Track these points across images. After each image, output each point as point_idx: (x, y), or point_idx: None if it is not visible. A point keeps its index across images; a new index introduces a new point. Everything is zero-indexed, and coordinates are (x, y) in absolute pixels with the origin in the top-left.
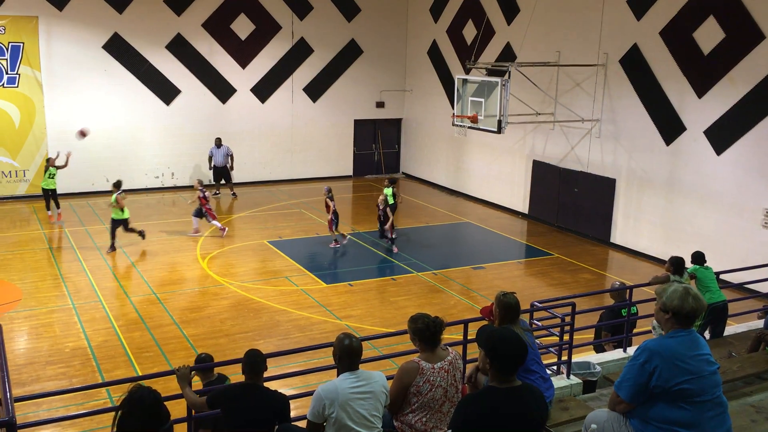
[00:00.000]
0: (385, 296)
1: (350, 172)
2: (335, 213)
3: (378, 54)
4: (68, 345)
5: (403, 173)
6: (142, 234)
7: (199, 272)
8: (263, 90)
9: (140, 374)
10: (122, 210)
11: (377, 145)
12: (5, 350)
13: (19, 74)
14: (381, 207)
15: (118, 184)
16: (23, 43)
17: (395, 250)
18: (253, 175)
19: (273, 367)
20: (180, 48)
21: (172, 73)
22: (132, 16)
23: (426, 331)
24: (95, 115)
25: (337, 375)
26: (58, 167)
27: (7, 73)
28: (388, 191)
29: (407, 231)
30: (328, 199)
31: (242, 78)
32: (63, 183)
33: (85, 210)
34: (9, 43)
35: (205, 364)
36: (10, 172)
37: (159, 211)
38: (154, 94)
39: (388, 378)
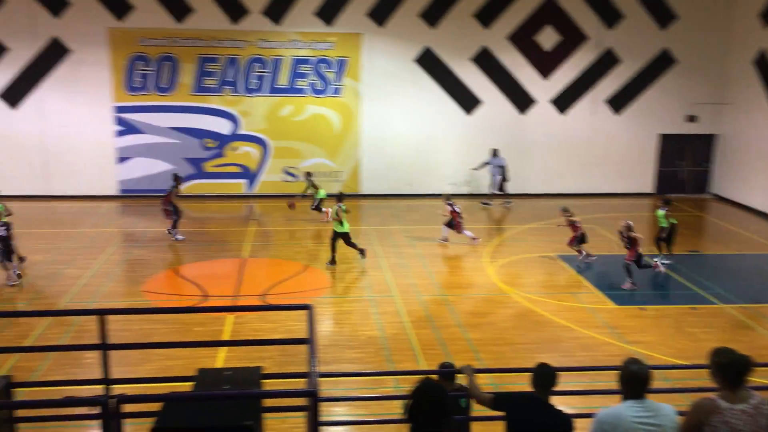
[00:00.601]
0: (682, 326)
1: (649, 189)
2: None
3: (693, 64)
4: (364, 333)
5: (712, 194)
6: (362, 253)
7: (485, 279)
8: (563, 101)
9: (424, 369)
10: (341, 223)
11: (683, 162)
12: (315, 328)
13: (343, 85)
14: (624, 234)
15: (340, 197)
16: (349, 57)
17: (660, 269)
18: (546, 186)
19: None
20: (485, 60)
21: (475, 85)
22: (442, 31)
23: (731, 368)
24: (402, 124)
25: (621, 401)
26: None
27: (333, 84)
28: (660, 213)
29: (713, 258)
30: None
31: (543, 89)
32: (369, 185)
33: (388, 211)
34: (337, 57)
35: (448, 370)
36: (327, 172)
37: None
38: (457, 104)
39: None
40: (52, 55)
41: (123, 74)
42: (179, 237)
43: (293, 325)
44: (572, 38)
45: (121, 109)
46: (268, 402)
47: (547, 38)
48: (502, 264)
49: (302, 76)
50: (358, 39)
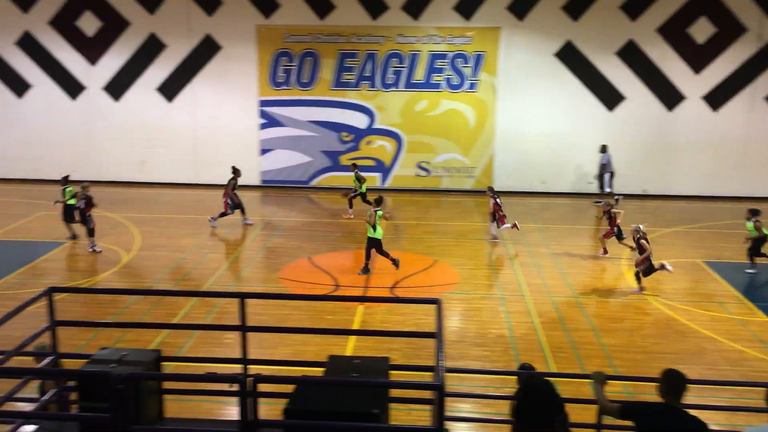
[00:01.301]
0: None
1: None
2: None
3: None
4: (492, 331)
5: None
6: (395, 263)
7: (623, 283)
8: (717, 97)
9: (554, 371)
10: (374, 228)
11: None
12: (443, 323)
13: (479, 80)
14: (635, 238)
15: (378, 201)
16: (485, 52)
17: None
18: (695, 188)
19: (693, 396)
20: (630, 54)
21: (618, 80)
22: (586, 24)
23: None
24: (538, 120)
25: None
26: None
27: (468, 79)
28: (750, 226)
29: None
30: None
31: (694, 84)
32: (502, 182)
33: (521, 209)
34: (474, 52)
35: (527, 371)
36: (460, 167)
37: (590, 217)
38: (598, 100)
39: None
40: (204, 52)
41: (268, 69)
42: (213, 223)
43: (421, 318)
44: (729, 30)
45: (265, 103)
46: (395, 392)
47: (701, 30)
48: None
49: (438, 71)
50: (497, 33)
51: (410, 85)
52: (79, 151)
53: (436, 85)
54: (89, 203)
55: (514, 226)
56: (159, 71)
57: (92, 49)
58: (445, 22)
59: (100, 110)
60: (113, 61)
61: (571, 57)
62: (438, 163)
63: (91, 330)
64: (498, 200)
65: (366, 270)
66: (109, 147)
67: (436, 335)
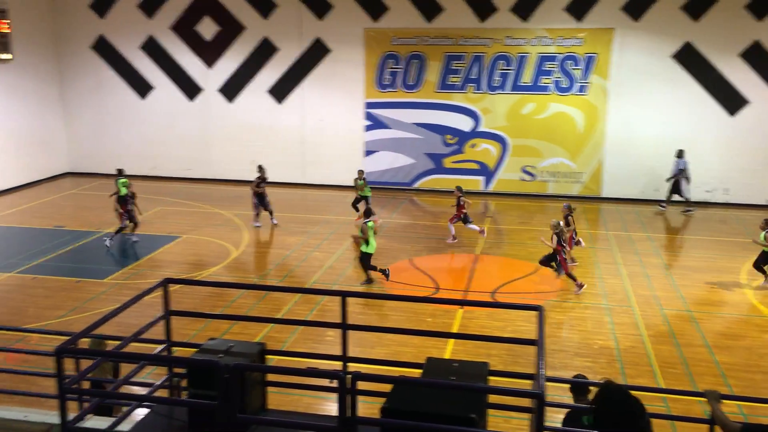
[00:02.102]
0: None
1: None
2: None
3: None
4: (597, 342)
5: None
6: (385, 273)
7: (741, 298)
8: None
9: (662, 387)
10: (367, 242)
11: None
12: (544, 331)
13: (589, 83)
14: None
15: (368, 212)
16: (597, 53)
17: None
18: None
19: None
20: (755, 55)
21: (741, 82)
22: (707, 24)
23: None
24: (652, 124)
25: None
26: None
27: (578, 82)
28: (762, 236)
29: None
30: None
31: None
32: (611, 188)
33: (631, 217)
34: (585, 54)
35: (582, 381)
36: (567, 173)
37: (707, 227)
38: (719, 104)
39: None
40: (313, 55)
41: (375, 72)
42: (256, 224)
43: (522, 325)
44: None
45: (370, 105)
46: (493, 398)
47: None
48: (762, 283)
49: (547, 73)
50: (610, 34)
51: (517, 87)
52: (194, 149)
53: (545, 88)
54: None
55: (482, 231)
56: (270, 74)
57: (209, 53)
58: (555, 23)
59: (214, 111)
60: (228, 64)
61: (690, 59)
62: (544, 167)
63: (200, 321)
64: (463, 200)
65: (368, 281)
66: (222, 146)
67: (537, 342)
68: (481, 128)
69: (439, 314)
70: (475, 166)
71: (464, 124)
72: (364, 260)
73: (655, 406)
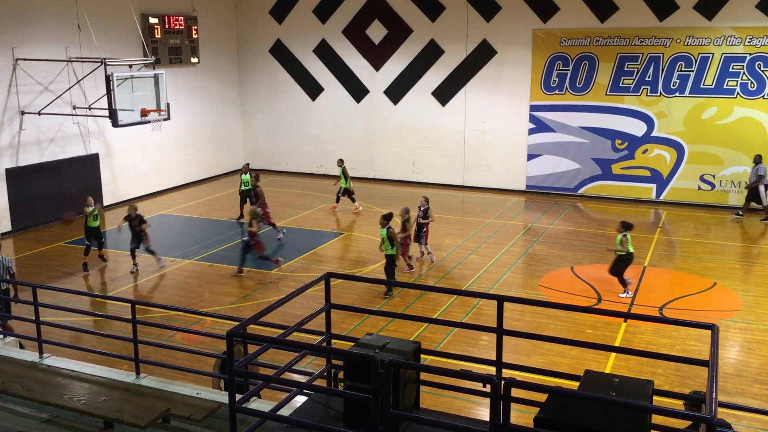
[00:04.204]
0: None
1: None
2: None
3: None
4: None
5: None
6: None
7: None
8: None
9: None
10: (392, 244)
11: None
12: (718, 352)
13: None
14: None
15: (388, 217)
16: None
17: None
18: None
19: None
20: None
21: None
22: None
23: None
24: None
25: None
26: None
27: None
28: (619, 239)
29: None
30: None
31: None
32: None
33: None
34: None
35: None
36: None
37: None
38: None
39: None
40: (479, 57)
41: (541, 74)
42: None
43: (692, 345)
44: None
45: (535, 108)
46: (656, 419)
47: None
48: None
49: (733, 75)
50: None
51: (698, 90)
52: (358, 150)
53: (730, 91)
54: (141, 221)
55: (277, 262)
56: (435, 76)
57: (377, 56)
58: (744, 21)
59: (379, 113)
60: (395, 66)
61: None
62: (725, 176)
63: (358, 316)
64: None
65: (388, 293)
66: (385, 147)
67: (710, 364)
68: (655, 133)
69: (600, 326)
70: (646, 173)
71: (636, 128)
72: (391, 264)
73: None
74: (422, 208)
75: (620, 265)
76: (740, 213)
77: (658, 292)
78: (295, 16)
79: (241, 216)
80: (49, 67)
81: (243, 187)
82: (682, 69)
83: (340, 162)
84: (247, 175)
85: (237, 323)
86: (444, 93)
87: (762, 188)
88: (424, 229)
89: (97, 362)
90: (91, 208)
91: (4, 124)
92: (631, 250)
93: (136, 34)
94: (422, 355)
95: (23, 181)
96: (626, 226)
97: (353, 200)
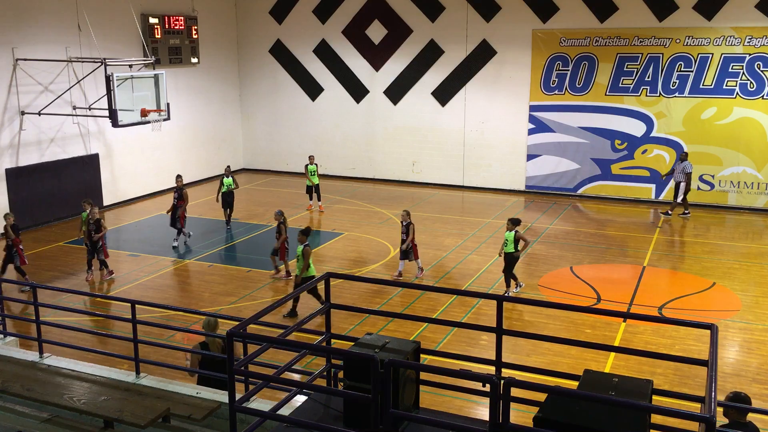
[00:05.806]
0: None
1: None
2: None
3: None
4: None
5: None
6: (320, 299)
7: None
8: None
9: None
10: (308, 267)
11: None
12: (717, 352)
13: None
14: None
15: (306, 232)
16: None
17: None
18: None
19: None
20: None
21: None
22: None
23: None
24: None
25: None
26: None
27: None
28: (509, 236)
29: None
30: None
31: None
32: None
33: None
34: None
35: (742, 405)
36: (752, 183)
37: None
38: None
39: None
40: (479, 57)
41: (541, 74)
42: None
43: (691, 345)
44: None
45: (534, 108)
46: (655, 419)
47: None
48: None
49: (732, 75)
50: None
51: (697, 90)
52: (358, 150)
53: (729, 91)
54: (99, 228)
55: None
56: (435, 76)
57: (377, 56)
58: (744, 21)
59: (379, 113)
60: (395, 66)
61: None
62: (724, 176)
63: (358, 316)
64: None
65: (292, 313)
66: (385, 147)
67: (709, 363)
68: (655, 133)
69: (599, 326)
70: (645, 173)
71: (636, 128)
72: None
73: None
74: (404, 223)
75: (511, 262)
76: (668, 213)
77: (658, 292)
78: (295, 16)
79: (229, 221)
80: (49, 67)
81: (224, 189)
82: (682, 69)
83: (312, 159)
84: (230, 178)
85: (237, 323)
86: (444, 93)
87: (683, 185)
88: (410, 246)
89: (97, 362)
90: (84, 213)
91: (4, 124)
92: (520, 248)
93: (136, 34)
94: (422, 355)
95: (23, 181)
96: (515, 222)
97: (319, 198)
